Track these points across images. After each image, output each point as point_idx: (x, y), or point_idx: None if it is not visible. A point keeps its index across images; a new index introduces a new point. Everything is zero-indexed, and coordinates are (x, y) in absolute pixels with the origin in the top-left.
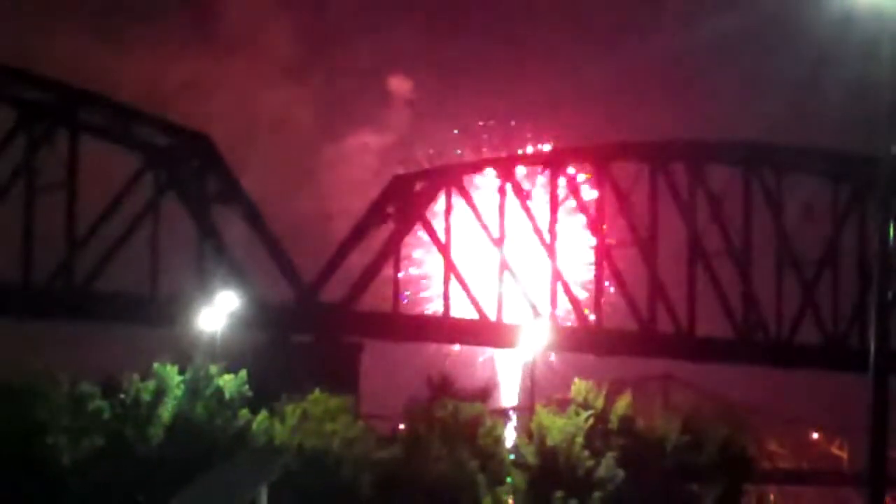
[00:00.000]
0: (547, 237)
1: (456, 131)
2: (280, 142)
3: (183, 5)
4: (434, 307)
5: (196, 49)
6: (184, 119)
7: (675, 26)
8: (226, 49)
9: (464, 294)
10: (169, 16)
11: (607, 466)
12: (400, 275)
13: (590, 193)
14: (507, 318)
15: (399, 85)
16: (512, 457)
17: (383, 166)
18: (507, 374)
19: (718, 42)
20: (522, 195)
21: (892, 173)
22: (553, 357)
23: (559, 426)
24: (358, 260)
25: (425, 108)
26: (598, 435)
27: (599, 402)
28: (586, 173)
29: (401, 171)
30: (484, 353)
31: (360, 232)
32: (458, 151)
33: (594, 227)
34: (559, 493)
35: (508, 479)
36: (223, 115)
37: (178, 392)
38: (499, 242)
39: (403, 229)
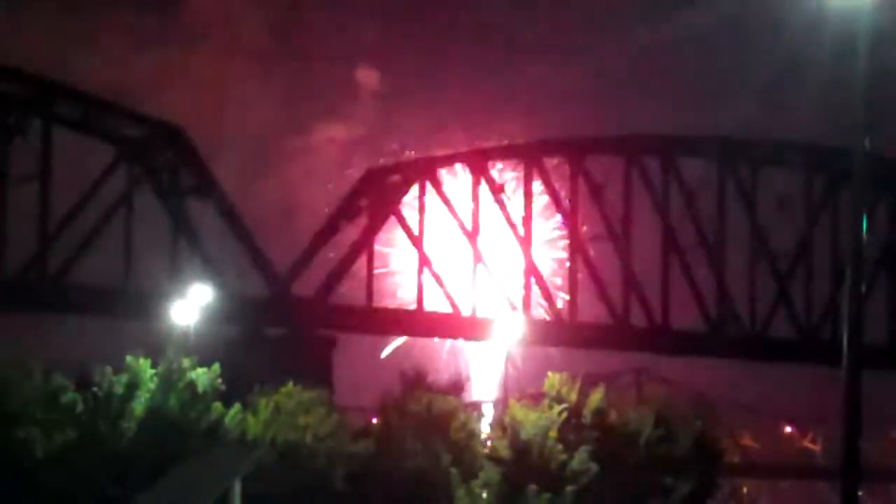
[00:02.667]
0: (521, 231)
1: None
2: (245, 133)
3: None
4: (407, 301)
5: (162, 39)
6: (148, 109)
7: (650, 21)
8: (192, 39)
9: (437, 287)
10: (135, 4)
11: (580, 460)
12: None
13: (564, 187)
14: (480, 312)
15: (367, 77)
16: (486, 450)
17: (348, 159)
18: (479, 367)
19: (693, 37)
20: (496, 188)
21: (865, 166)
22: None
23: (532, 420)
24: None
25: (394, 101)
26: (572, 429)
27: (573, 396)
28: (560, 167)
29: (365, 164)
30: (453, 346)
31: (333, 225)
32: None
33: (568, 220)
34: (532, 487)
35: (482, 473)
36: (188, 105)
37: (151, 385)
38: (472, 236)
39: (377, 222)
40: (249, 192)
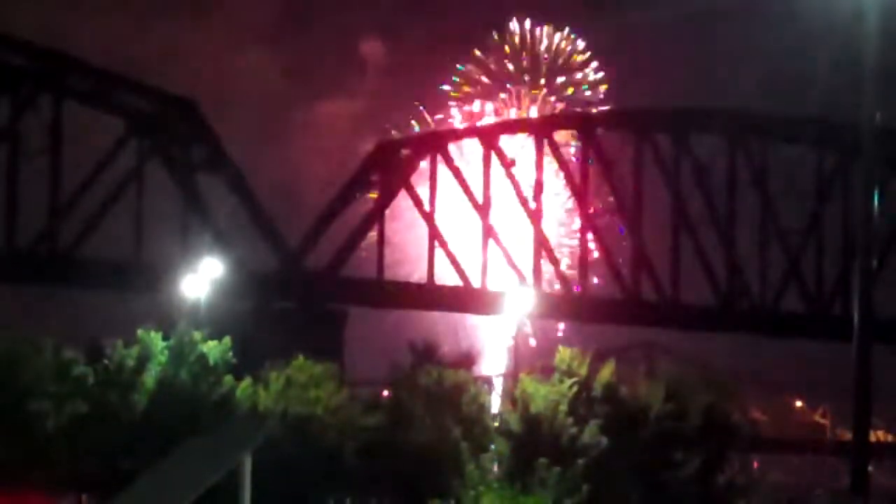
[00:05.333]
0: (532, 205)
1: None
2: (251, 107)
3: None
4: (418, 274)
5: (169, 13)
6: (153, 82)
7: None
8: (199, 13)
9: (448, 261)
10: None
11: (591, 434)
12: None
13: (575, 162)
14: (491, 286)
15: (373, 51)
16: (496, 424)
17: (354, 132)
18: (490, 341)
19: (705, 12)
20: (507, 162)
21: (876, 142)
22: (530, 326)
23: (543, 394)
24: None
25: (400, 74)
26: (582, 402)
27: (583, 370)
28: (572, 141)
29: (370, 138)
30: (467, 320)
31: (343, 198)
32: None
33: (579, 195)
34: (543, 460)
35: (492, 447)
36: (195, 78)
37: (162, 358)
38: (483, 209)
39: (388, 196)
40: (254, 165)
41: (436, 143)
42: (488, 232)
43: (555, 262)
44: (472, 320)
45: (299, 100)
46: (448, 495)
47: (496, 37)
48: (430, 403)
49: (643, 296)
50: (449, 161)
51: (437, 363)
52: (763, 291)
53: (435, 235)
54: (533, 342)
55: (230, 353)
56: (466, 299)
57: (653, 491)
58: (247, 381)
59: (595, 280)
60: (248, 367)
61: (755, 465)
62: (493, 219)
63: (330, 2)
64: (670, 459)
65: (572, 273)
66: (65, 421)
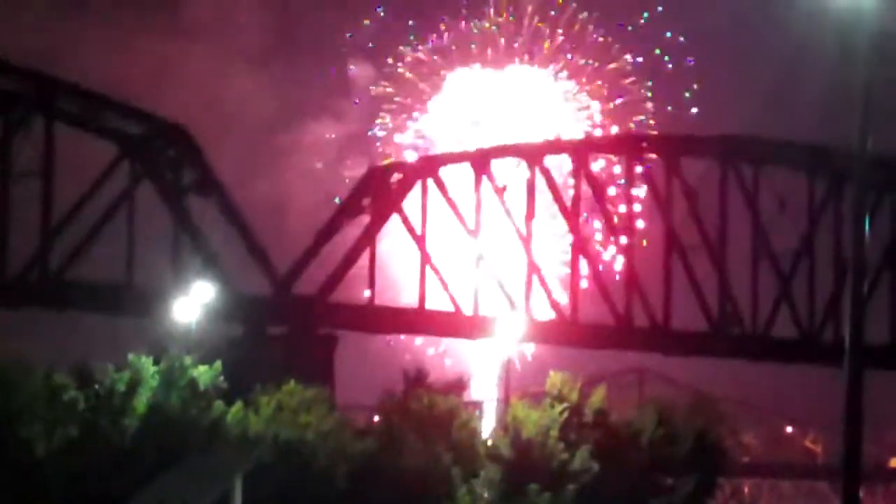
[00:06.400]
0: (523, 230)
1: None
2: (238, 130)
3: None
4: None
5: (157, 35)
6: (142, 105)
7: (657, 22)
8: (188, 36)
9: (439, 286)
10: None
11: (582, 459)
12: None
13: (566, 186)
14: (482, 311)
15: (362, 75)
16: (487, 449)
17: (342, 157)
18: (481, 366)
19: (697, 37)
20: (499, 187)
21: (867, 166)
22: (520, 351)
23: (534, 419)
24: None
25: (388, 99)
26: (573, 428)
27: (574, 395)
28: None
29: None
30: (457, 345)
31: (335, 223)
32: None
33: (570, 220)
34: (534, 486)
35: (483, 472)
36: (183, 101)
37: (153, 383)
38: (475, 234)
39: (379, 221)
40: (241, 189)
41: (427, 168)
42: (480, 256)
43: (546, 286)
44: (464, 345)
45: (285, 122)
46: None
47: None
48: (420, 428)
49: (634, 321)
50: (440, 185)
51: (427, 388)
52: (754, 316)
53: (426, 260)
54: (518, 367)
55: (221, 378)
56: (457, 324)
57: None
58: (237, 406)
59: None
60: (239, 392)
61: (746, 490)
62: (485, 243)
63: (319, 26)
64: (661, 485)
65: (563, 298)
66: (55, 445)
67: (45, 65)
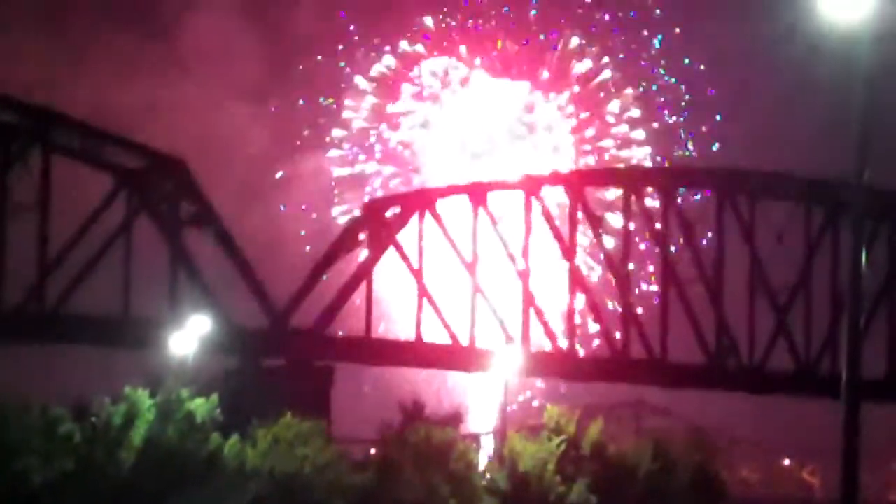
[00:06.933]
0: (520, 262)
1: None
2: (234, 162)
3: (141, 24)
4: (406, 331)
5: (154, 68)
6: (137, 137)
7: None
8: (183, 68)
9: (436, 318)
10: (127, 35)
11: (579, 492)
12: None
13: (563, 219)
14: (479, 343)
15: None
16: (484, 482)
17: (337, 190)
18: (478, 398)
19: (694, 70)
20: (495, 220)
21: (864, 199)
22: (517, 383)
23: (531, 452)
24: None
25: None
26: (570, 461)
27: (571, 428)
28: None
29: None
30: (455, 378)
31: (332, 256)
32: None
33: (567, 252)
34: None
35: None
36: (179, 134)
37: (150, 416)
38: (472, 267)
39: (376, 254)
40: (236, 221)
41: (423, 201)
42: (476, 289)
43: (543, 319)
44: (461, 377)
45: (281, 155)
46: None
47: None
48: (418, 461)
49: (632, 353)
50: (437, 218)
51: (425, 421)
52: (751, 349)
53: (423, 292)
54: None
55: (217, 411)
56: (454, 357)
57: None
58: (234, 439)
59: (583, 337)
60: (236, 425)
61: None
62: (481, 276)
63: (311, 61)
64: None
65: (561, 330)
66: (51, 478)
67: (41, 97)
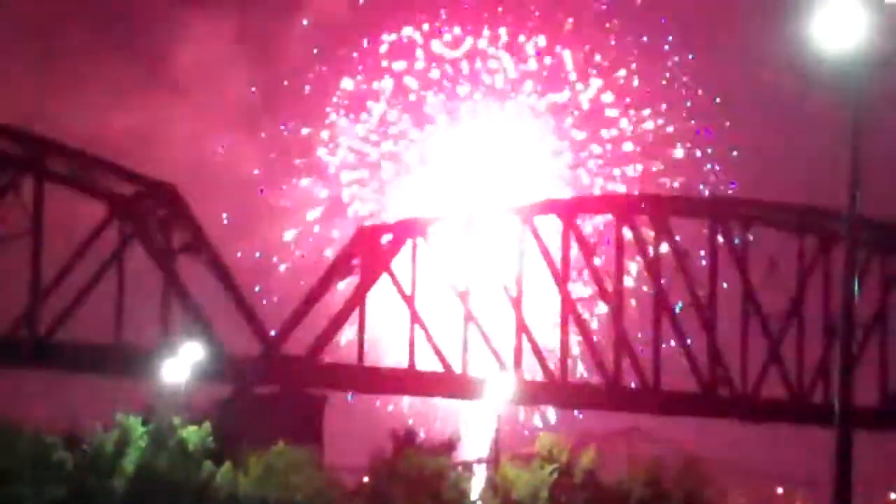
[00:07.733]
0: (513, 290)
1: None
2: (225, 188)
3: (130, 49)
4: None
5: (143, 93)
6: (127, 163)
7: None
8: (173, 94)
9: (429, 346)
10: (116, 59)
11: None
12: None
13: (556, 246)
14: (472, 371)
15: (348, 133)
16: None
17: (329, 215)
18: (471, 426)
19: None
20: (488, 247)
21: (857, 228)
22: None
23: (524, 480)
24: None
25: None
26: (563, 489)
27: (564, 456)
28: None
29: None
30: (447, 405)
31: (325, 283)
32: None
33: (560, 280)
34: None
35: None
36: (168, 160)
37: (142, 443)
38: (464, 294)
39: (369, 281)
40: (225, 248)
41: (417, 228)
42: (469, 316)
43: (535, 346)
44: (454, 405)
45: (276, 181)
46: None
47: None
48: (410, 489)
49: (624, 381)
50: (430, 245)
51: (417, 449)
52: (744, 376)
53: (416, 320)
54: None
55: (210, 439)
56: (447, 384)
57: None
58: (226, 467)
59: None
60: (228, 453)
61: None
62: (474, 303)
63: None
64: None
65: (553, 358)
66: None
67: (32, 124)
